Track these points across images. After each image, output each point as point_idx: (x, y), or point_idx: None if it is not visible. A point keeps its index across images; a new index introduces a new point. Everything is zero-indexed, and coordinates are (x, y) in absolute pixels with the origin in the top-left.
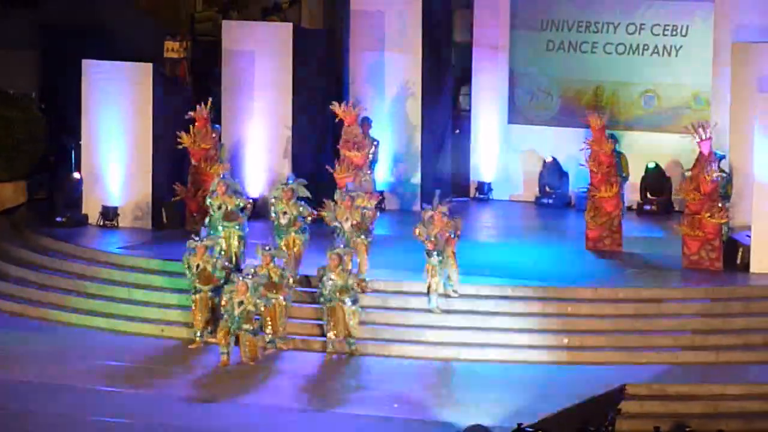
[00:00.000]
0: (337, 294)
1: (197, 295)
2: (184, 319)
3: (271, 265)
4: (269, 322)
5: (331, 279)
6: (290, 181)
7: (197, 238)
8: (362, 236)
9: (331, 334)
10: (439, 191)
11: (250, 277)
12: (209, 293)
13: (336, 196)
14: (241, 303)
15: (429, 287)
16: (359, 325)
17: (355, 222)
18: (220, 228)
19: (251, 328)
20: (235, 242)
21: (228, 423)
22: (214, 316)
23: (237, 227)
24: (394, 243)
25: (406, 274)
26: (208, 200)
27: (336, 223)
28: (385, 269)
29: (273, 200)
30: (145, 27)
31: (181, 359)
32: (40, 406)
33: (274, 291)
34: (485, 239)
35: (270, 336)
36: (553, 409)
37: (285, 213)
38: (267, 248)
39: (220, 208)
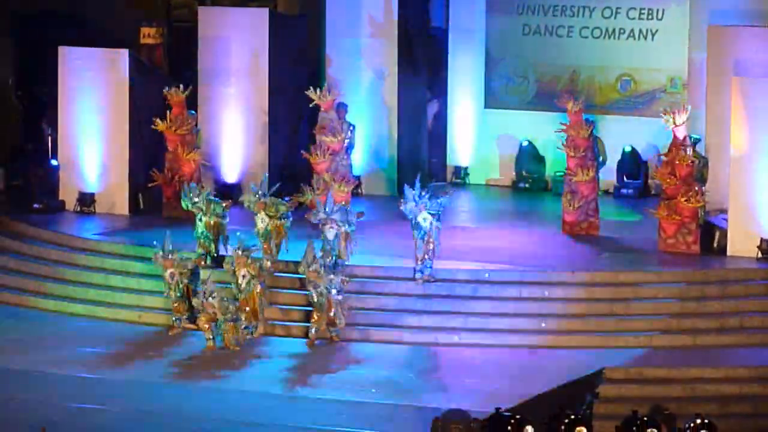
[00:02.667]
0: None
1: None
2: (161, 304)
3: (248, 261)
4: (247, 310)
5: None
6: (257, 191)
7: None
8: (345, 226)
9: (314, 322)
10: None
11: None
12: (186, 280)
13: (313, 182)
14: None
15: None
16: (344, 315)
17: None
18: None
19: (230, 315)
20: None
21: (208, 407)
22: (190, 303)
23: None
24: (371, 228)
25: (383, 260)
26: (186, 203)
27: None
28: (362, 254)
29: (247, 206)
30: (121, 13)
31: (159, 345)
32: (19, 393)
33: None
34: (462, 223)
35: (246, 323)
36: (531, 393)
37: (262, 220)
38: (242, 251)
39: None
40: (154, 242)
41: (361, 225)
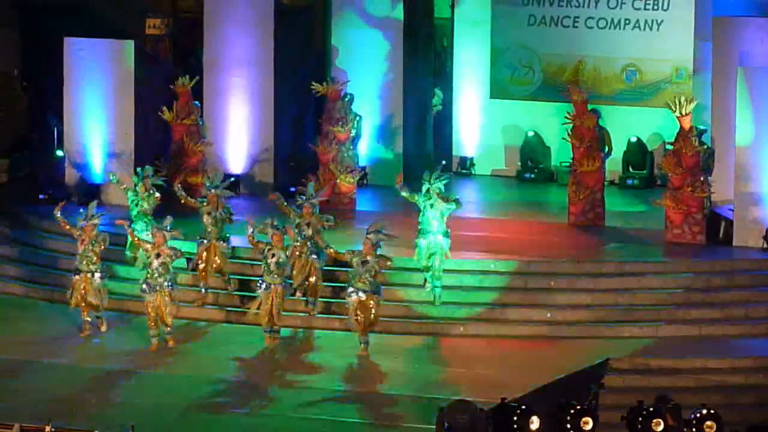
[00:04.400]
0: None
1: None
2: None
3: (164, 247)
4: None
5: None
6: (210, 184)
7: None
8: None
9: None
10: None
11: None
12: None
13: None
14: (273, 254)
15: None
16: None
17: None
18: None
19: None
20: None
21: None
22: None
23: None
24: (375, 218)
25: (388, 250)
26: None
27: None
28: None
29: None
30: (126, 4)
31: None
32: (26, 384)
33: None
34: (468, 214)
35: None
36: (537, 384)
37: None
38: (163, 227)
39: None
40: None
41: (366, 215)
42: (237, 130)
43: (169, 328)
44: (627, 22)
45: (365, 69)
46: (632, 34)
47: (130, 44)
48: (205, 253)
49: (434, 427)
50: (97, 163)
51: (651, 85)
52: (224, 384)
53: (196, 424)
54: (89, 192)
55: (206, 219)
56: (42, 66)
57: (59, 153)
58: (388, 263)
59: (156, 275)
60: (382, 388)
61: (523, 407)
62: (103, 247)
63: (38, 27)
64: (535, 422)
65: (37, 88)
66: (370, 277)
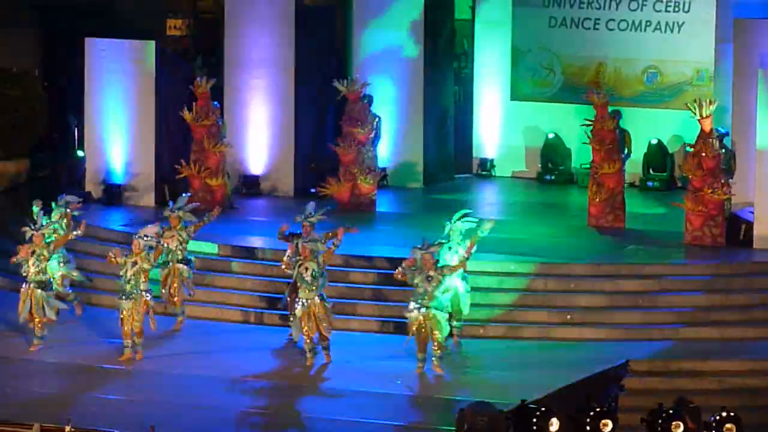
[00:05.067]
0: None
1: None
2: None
3: (142, 255)
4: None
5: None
6: (173, 206)
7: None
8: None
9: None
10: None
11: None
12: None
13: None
14: (306, 268)
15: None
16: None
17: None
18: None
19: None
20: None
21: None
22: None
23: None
24: (396, 220)
25: (407, 251)
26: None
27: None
28: (388, 246)
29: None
30: (147, 4)
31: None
32: (45, 385)
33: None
34: (488, 216)
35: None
36: (557, 386)
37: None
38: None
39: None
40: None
41: (385, 216)
42: (257, 130)
43: (140, 340)
44: (648, 23)
45: (386, 70)
46: (653, 36)
47: (151, 45)
48: (168, 278)
49: (454, 428)
50: (117, 164)
51: (672, 87)
52: (245, 384)
53: (215, 425)
54: (110, 192)
55: (169, 242)
56: (62, 66)
57: (79, 153)
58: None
59: (133, 283)
60: (402, 389)
61: (543, 409)
62: (48, 257)
63: (59, 27)
64: (554, 424)
65: (57, 89)
66: (436, 292)
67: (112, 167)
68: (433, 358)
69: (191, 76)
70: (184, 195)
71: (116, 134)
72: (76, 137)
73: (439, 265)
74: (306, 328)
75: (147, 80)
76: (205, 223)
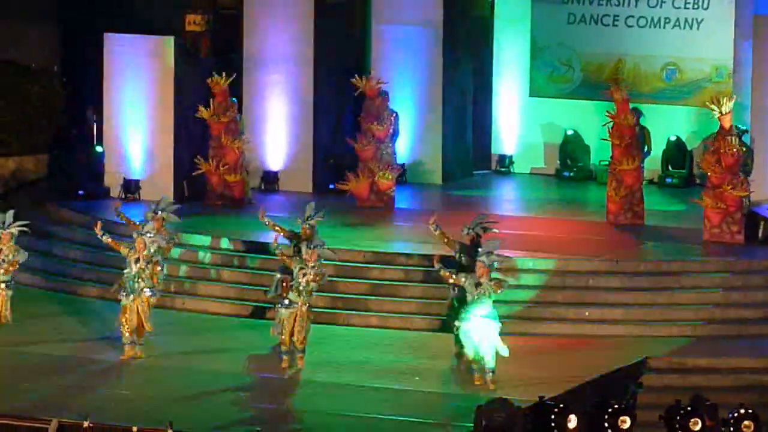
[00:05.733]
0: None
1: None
2: (203, 291)
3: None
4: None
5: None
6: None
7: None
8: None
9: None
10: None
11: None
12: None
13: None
14: (304, 273)
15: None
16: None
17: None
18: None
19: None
20: None
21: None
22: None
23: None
24: (414, 216)
25: (426, 248)
26: None
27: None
28: (405, 243)
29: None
30: (166, 0)
31: (205, 330)
32: (64, 379)
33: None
34: (506, 212)
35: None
36: (575, 382)
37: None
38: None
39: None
40: None
41: (405, 214)
42: (276, 126)
43: (142, 338)
44: (667, 20)
45: (404, 66)
46: (672, 32)
47: (169, 40)
48: None
49: (472, 425)
50: (136, 160)
51: (691, 83)
52: (252, 379)
53: (227, 418)
54: (128, 188)
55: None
56: (81, 62)
57: (98, 149)
58: (501, 290)
59: (136, 280)
60: (419, 385)
61: (561, 406)
62: (16, 257)
63: (78, 23)
64: (572, 421)
65: (76, 84)
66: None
67: (130, 162)
68: (481, 374)
69: (210, 72)
70: (165, 196)
71: (135, 130)
72: (95, 133)
73: (493, 275)
74: (281, 332)
75: (166, 76)
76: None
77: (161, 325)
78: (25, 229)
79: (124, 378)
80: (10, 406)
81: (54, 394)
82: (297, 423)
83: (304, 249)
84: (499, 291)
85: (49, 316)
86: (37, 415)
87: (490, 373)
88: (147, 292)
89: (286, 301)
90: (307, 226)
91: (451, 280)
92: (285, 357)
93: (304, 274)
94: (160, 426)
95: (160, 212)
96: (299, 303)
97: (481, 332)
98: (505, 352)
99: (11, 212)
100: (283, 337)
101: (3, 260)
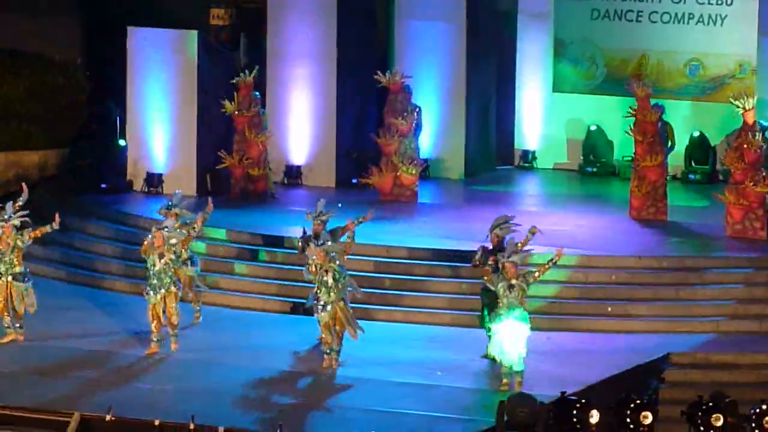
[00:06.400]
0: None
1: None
2: (225, 285)
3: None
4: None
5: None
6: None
7: None
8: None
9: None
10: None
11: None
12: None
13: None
14: (326, 271)
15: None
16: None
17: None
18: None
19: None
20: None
21: (276, 390)
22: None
23: None
24: (437, 211)
25: (450, 243)
26: None
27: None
28: (429, 238)
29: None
30: None
31: (230, 324)
32: (87, 372)
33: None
34: (529, 208)
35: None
36: (597, 378)
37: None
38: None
39: None
40: None
41: (428, 209)
42: (299, 121)
43: (174, 331)
44: (691, 16)
45: (428, 61)
46: (696, 28)
47: (193, 34)
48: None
49: (494, 420)
50: (159, 153)
51: (714, 79)
52: (283, 375)
53: (249, 413)
54: (151, 182)
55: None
56: (105, 55)
57: (121, 142)
58: (533, 281)
59: (161, 275)
60: (442, 380)
61: (583, 401)
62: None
63: (102, 16)
64: (594, 416)
65: (99, 78)
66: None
67: (153, 156)
68: (509, 379)
69: (233, 66)
70: (177, 192)
71: (158, 123)
72: (118, 126)
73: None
74: (326, 334)
75: (189, 70)
76: (204, 219)
77: (185, 320)
78: (26, 219)
79: (147, 372)
80: (32, 398)
81: (76, 388)
82: (320, 418)
83: (312, 246)
84: (531, 282)
85: (71, 310)
86: (59, 408)
87: (519, 378)
88: (173, 287)
89: (322, 307)
90: (319, 222)
91: (486, 277)
92: (326, 357)
93: (327, 272)
94: (183, 421)
95: (173, 208)
96: (334, 303)
97: (514, 335)
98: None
99: (10, 204)
100: (324, 341)
101: (5, 252)
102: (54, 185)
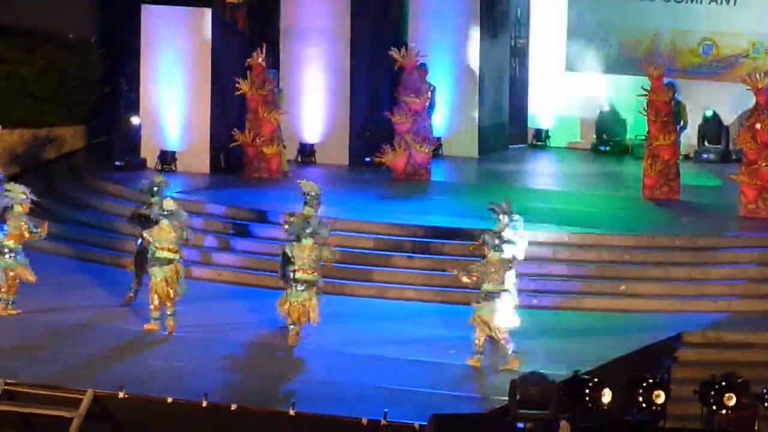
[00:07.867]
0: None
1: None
2: (240, 263)
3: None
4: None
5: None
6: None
7: None
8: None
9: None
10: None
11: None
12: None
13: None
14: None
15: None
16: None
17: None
18: None
19: None
20: None
21: (286, 368)
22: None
23: None
24: (451, 189)
25: (464, 221)
26: None
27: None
28: (443, 216)
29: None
30: None
31: (240, 304)
32: (98, 350)
33: None
34: (542, 186)
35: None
36: (609, 357)
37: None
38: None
39: None
40: None
41: (441, 186)
42: (312, 99)
43: (171, 308)
44: None
45: (442, 39)
46: (709, 8)
47: (207, 12)
48: None
49: (506, 398)
50: (173, 131)
51: (727, 59)
52: (295, 352)
53: (262, 390)
54: (164, 159)
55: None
56: (119, 34)
57: (135, 120)
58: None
59: (165, 251)
60: (455, 358)
61: (596, 380)
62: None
63: None
64: (607, 395)
65: (114, 56)
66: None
67: (167, 134)
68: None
69: (248, 44)
70: (165, 178)
71: (172, 101)
72: (132, 104)
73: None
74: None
75: (203, 47)
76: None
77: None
78: (36, 199)
79: (159, 349)
80: (44, 372)
81: (87, 363)
82: (332, 395)
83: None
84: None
85: (84, 287)
86: (71, 383)
87: (512, 353)
88: (178, 261)
89: (298, 285)
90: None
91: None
92: (292, 330)
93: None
94: (196, 398)
95: (155, 195)
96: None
97: (493, 313)
98: (516, 322)
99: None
100: (290, 318)
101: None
102: (68, 163)
